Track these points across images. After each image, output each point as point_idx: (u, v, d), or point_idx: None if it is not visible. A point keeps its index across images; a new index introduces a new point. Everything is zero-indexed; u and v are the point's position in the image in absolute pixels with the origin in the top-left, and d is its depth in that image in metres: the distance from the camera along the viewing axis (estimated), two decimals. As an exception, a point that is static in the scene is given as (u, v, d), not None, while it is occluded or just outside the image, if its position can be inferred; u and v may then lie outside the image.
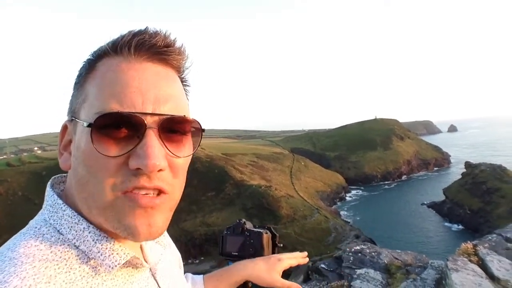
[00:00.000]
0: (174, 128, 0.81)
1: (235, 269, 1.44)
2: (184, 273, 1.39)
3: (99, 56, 0.82)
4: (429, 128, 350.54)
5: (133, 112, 0.74)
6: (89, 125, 0.74)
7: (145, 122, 0.75)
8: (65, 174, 0.92)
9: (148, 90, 0.77)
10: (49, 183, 0.91)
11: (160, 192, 0.78)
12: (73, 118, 0.82)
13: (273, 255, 1.54)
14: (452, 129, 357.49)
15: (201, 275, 1.50)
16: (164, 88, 0.80)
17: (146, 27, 0.82)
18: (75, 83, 0.85)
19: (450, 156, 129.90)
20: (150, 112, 0.76)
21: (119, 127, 0.75)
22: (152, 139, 0.75)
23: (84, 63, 0.84)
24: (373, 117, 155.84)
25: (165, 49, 0.82)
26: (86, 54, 0.84)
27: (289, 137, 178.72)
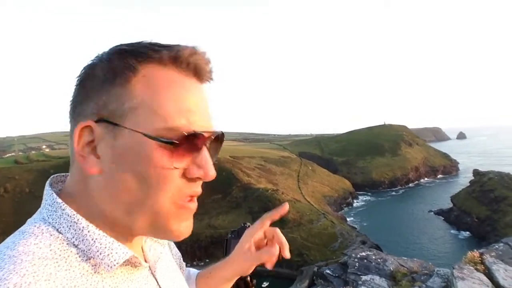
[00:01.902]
0: (215, 141, 0.89)
1: (221, 265, 1.41)
2: None
3: (145, 60, 0.81)
4: (438, 135, 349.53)
5: (206, 131, 0.82)
6: (171, 143, 0.77)
7: (207, 138, 0.83)
8: (64, 174, 0.93)
9: (205, 109, 0.84)
10: (48, 182, 0.91)
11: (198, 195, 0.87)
12: (110, 121, 0.79)
13: (244, 236, 1.39)
14: (461, 136, 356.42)
15: (196, 271, 1.49)
16: (208, 108, 0.87)
17: (195, 46, 0.85)
18: (106, 80, 0.81)
19: (458, 163, 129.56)
20: (210, 131, 0.84)
21: (191, 143, 0.80)
22: (206, 152, 0.83)
23: (121, 61, 0.81)
24: (382, 123, 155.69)
25: (210, 74, 0.88)
26: (91, 51, 0.82)
27: (297, 141, 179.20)
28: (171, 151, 0.78)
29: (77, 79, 0.86)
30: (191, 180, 0.82)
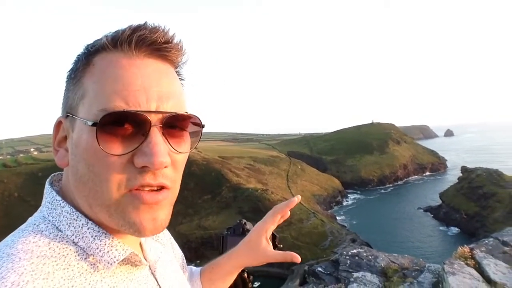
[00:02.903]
0: (176, 124, 0.82)
1: (223, 260, 1.42)
2: None
3: (96, 50, 0.80)
4: (426, 132, 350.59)
5: (139, 111, 0.75)
6: (94, 124, 0.73)
7: (150, 120, 0.76)
8: (63, 172, 0.91)
9: (151, 87, 0.77)
10: (48, 180, 0.91)
11: (162, 187, 0.79)
12: (70, 115, 0.80)
13: (254, 231, 1.39)
14: (449, 133, 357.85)
15: (199, 268, 1.49)
16: (165, 85, 0.80)
17: (145, 22, 0.81)
18: (70, 78, 0.83)
19: (446, 160, 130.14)
20: (154, 110, 0.77)
21: (124, 125, 0.75)
22: (157, 137, 0.76)
23: (79, 56, 0.82)
24: (370, 121, 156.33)
25: (165, 45, 0.82)
26: (80, 49, 0.83)
27: (285, 140, 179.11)
28: (110, 137, 0.74)
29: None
30: (137, 169, 0.76)
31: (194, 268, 1.49)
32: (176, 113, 0.80)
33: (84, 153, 0.77)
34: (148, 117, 0.75)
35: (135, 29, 0.79)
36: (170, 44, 0.83)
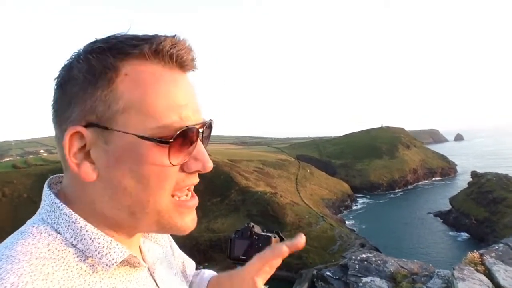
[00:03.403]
0: (206, 132, 0.89)
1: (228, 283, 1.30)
2: None
3: (125, 57, 0.79)
4: (436, 137, 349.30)
5: (195, 125, 0.82)
6: (165, 142, 0.77)
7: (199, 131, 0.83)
8: (62, 175, 0.91)
9: (191, 101, 0.83)
10: (46, 183, 0.91)
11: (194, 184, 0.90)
12: (100, 126, 0.78)
13: (248, 272, 1.16)
14: (459, 138, 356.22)
15: (210, 276, 1.44)
16: (196, 97, 0.87)
17: (175, 35, 0.83)
18: (89, 83, 0.78)
19: (456, 165, 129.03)
20: (201, 122, 0.85)
21: (186, 139, 0.80)
22: (201, 144, 0.85)
23: (100, 60, 0.78)
24: (379, 125, 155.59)
25: (193, 63, 0.87)
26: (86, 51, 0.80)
27: (294, 144, 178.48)
28: (167, 149, 0.78)
29: (55, 81, 0.83)
30: (189, 173, 0.84)
31: (206, 273, 1.47)
32: (211, 120, 0.89)
33: (134, 165, 0.78)
34: (199, 130, 0.83)
35: (173, 43, 0.81)
36: (195, 62, 0.87)
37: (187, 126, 0.79)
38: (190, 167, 0.83)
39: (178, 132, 0.77)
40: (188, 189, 0.88)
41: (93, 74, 0.77)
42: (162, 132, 0.77)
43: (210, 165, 0.85)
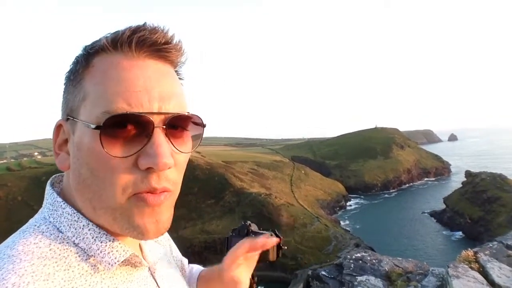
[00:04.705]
0: (178, 125, 0.82)
1: (217, 278, 1.30)
2: None
3: (96, 51, 0.79)
4: (429, 137, 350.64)
5: (142, 112, 0.74)
6: (98, 127, 0.73)
7: (153, 121, 0.75)
8: (64, 173, 0.91)
9: (152, 88, 0.76)
10: (49, 181, 0.91)
11: (164, 190, 0.79)
12: (71, 117, 0.79)
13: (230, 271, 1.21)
14: (453, 138, 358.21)
15: (199, 270, 1.47)
16: (167, 85, 0.80)
17: (145, 22, 0.80)
18: (69, 80, 0.82)
19: (450, 165, 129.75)
20: (157, 111, 0.76)
21: (127, 127, 0.74)
22: (160, 138, 0.76)
23: (77, 58, 0.81)
24: (374, 126, 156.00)
25: (166, 46, 0.81)
26: (79, 50, 0.82)
27: (289, 145, 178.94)
28: (114, 139, 0.74)
29: None
30: (141, 171, 0.75)
31: (195, 268, 1.49)
32: (178, 113, 0.80)
33: (87, 156, 0.76)
34: (151, 118, 0.75)
35: (134, 30, 0.78)
36: (170, 45, 0.82)
37: (126, 112, 0.73)
38: (141, 163, 0.74)
39: (108, 116, 0.73)
40: (153, 193, 0.77)
41: (71, 71, 0.82)
42: (102, 118, 0.73)
43: (163, 162, 0.74)
